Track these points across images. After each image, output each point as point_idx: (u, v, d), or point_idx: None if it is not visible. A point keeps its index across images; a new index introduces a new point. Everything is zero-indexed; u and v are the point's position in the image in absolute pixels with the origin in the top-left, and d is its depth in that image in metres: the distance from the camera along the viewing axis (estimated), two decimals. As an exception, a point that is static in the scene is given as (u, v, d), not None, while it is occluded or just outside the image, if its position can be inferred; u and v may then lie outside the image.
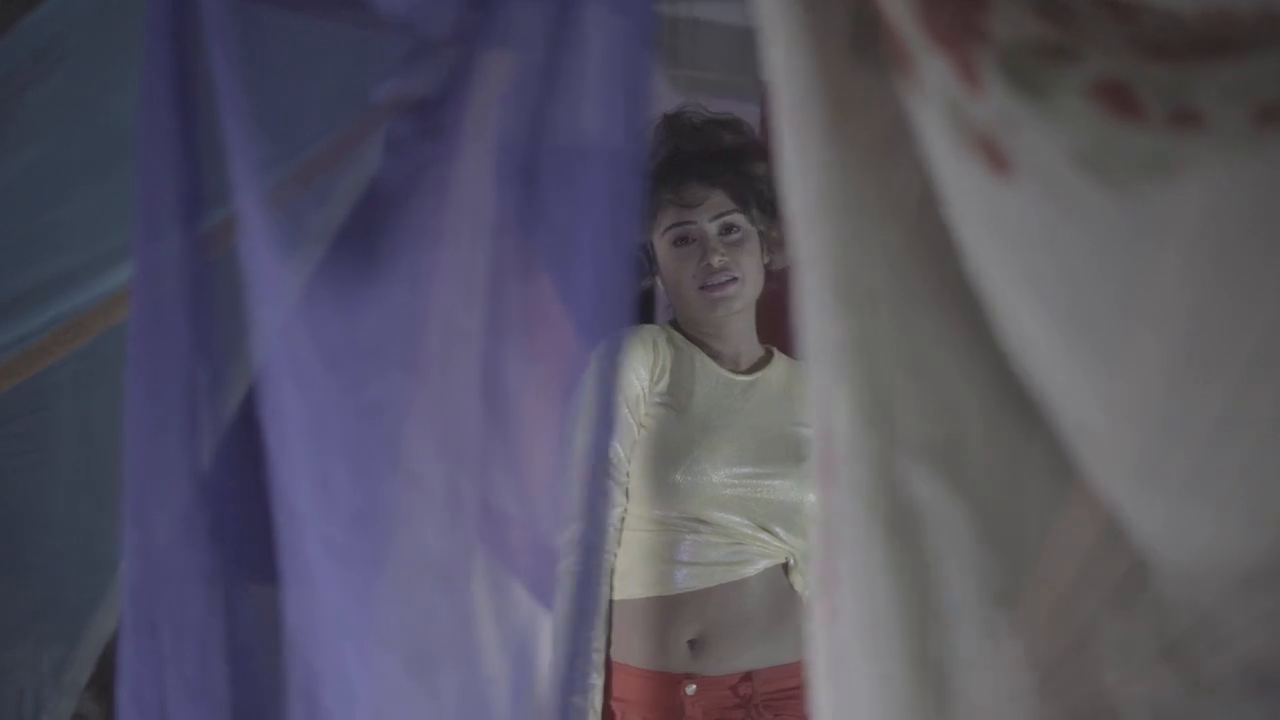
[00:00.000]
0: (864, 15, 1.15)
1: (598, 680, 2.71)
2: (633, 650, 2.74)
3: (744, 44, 3.72)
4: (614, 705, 2.74)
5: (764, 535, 2.79)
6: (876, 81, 1.15)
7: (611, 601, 2.77)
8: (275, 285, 1.94)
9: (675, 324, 2.87)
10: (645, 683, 2.74)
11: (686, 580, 2.74)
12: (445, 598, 2.17)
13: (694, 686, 2.72)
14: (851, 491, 1.15)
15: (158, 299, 1.87)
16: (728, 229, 2.78)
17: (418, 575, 2.69)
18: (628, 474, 2.77)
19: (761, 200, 2.79)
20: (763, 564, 2.79)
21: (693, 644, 2.74)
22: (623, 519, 2.77)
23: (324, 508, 1.88)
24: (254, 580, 1.95)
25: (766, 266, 2.84)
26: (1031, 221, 1.07)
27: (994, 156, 1.06)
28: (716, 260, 2.76)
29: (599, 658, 2.72)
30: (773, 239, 2.81)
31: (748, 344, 2.89)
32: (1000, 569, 1.14)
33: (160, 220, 1.88)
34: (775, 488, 2.79)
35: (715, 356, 2.86)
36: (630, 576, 2.77)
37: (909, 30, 1.08)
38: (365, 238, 2.27)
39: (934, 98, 1.09)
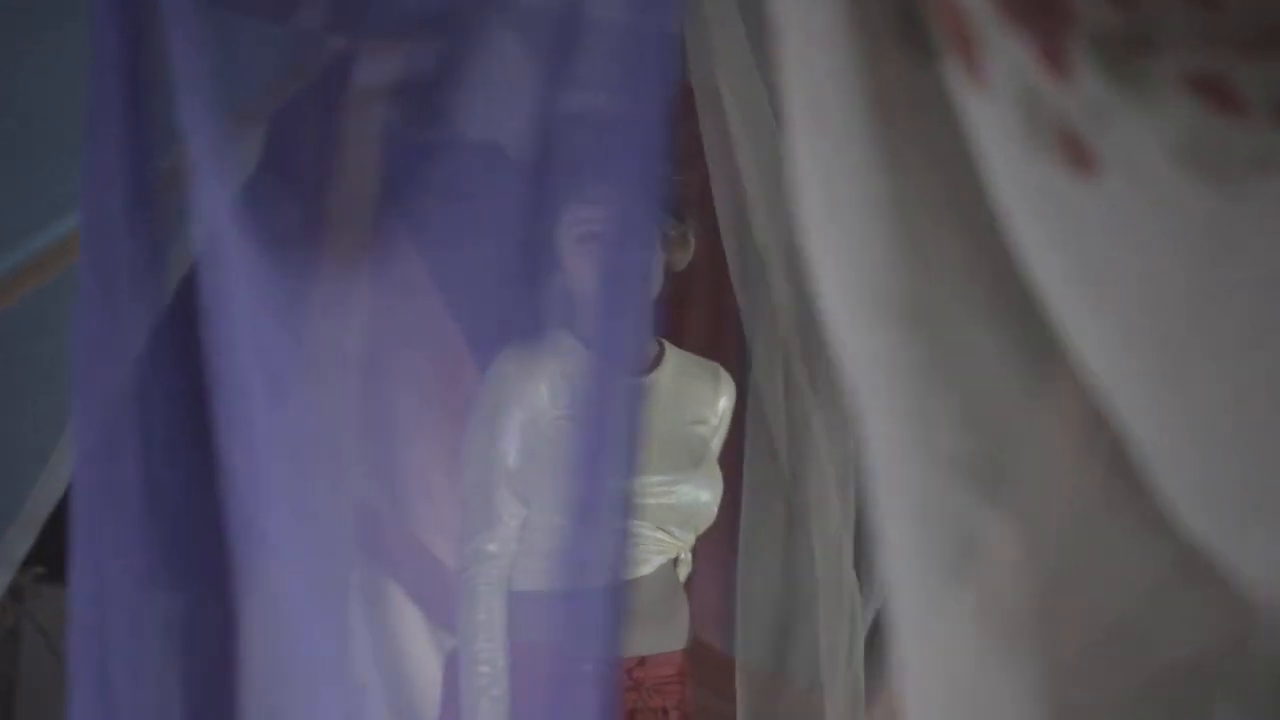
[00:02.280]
0: (911, 2, 1.06)
1: (506, 687, 2.72)
2: (533, 631, 2.74)
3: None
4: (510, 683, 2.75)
5: (661, 535, 2.82)
6: (925, 74, 1.06)
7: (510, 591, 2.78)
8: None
9: (571, 327, 2.83)
10: (539, 659, 2.68)
11: None
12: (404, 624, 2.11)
13: (590, 666, 2.61)
14: (902, 516, 1.05)
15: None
16: None
17: (380, 602, 2.65)
18: (528, 484, 2.72)
19: (665, 201, 2.78)
20: (658, 561, 2.82)
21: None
22: (522, 524, 2.76)
23: (297, 532, 1.76)
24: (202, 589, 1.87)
25: (666, 266, 2.84)
26: (1117, 221, 0.98)
27: (1077, 152, 0.97)
28: None
29: (505, 664, 2.72)
30: (673, 239, 2.82)
31: (646, 342, 2.85)
32: (1058, 597, 1.06)
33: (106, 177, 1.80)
34: (677, 492, 2.82)
35: None
36: (531, 571, 2.78)
37: (981, 10, 0.99)
38: (367, 235, 2.20)
39: (1002, 88, 1.00)
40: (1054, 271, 1.02)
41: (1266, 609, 1.04)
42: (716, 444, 2.89)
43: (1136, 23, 0.97)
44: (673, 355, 2.91)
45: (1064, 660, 1.05)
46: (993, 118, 1.01)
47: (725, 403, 2.90)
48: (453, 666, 2.79)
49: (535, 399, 2.73)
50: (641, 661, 2.81)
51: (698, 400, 2.90)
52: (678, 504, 2.80)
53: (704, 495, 2.81)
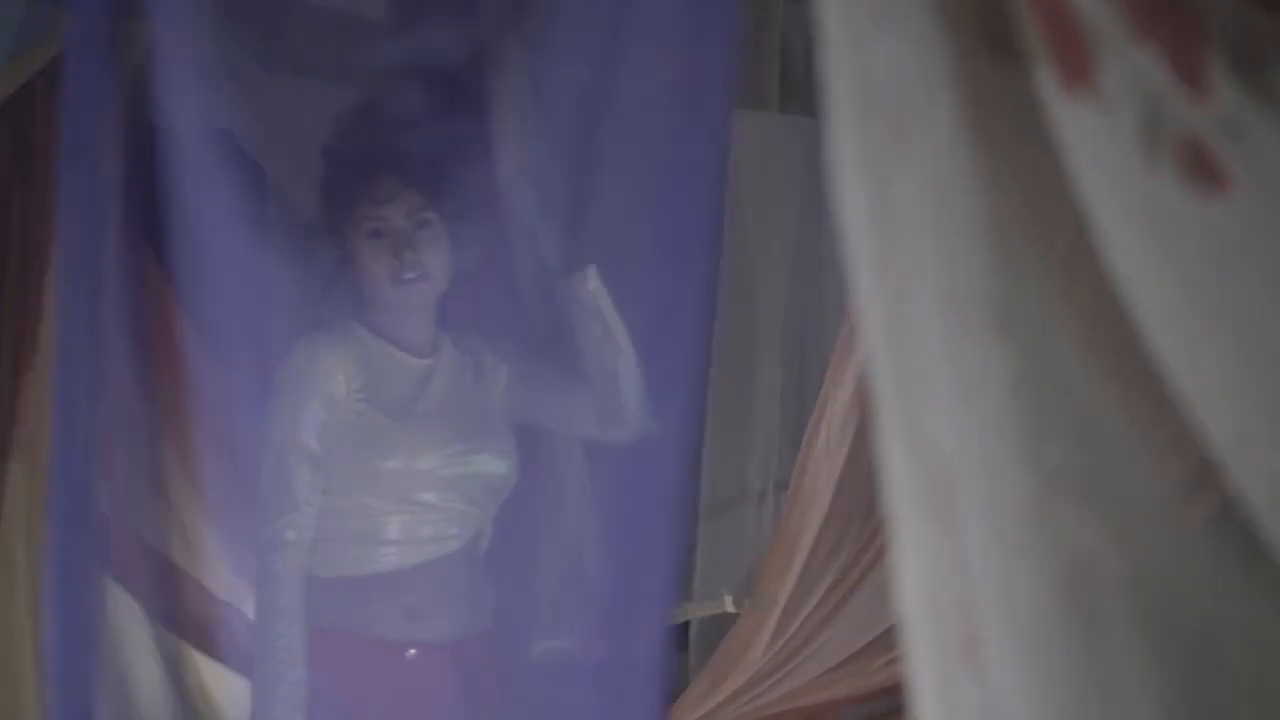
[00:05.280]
0: (1002, 3, 1.01)
1: (304, 672, 2.70)
2: (350, 620, 2.78)
3: (344, 27, 3.62)
4: (329, 675, 2.74)
5: (468, 508, 2.86)
6: (1016, 82, 1.01)
7: (317, 578, 2.77)
8: None
9: (362, 319, 2.88)
10: (365, 649, 2.78)
11: (397, 559, 2.79)
12: None
13: (414, 651, 2.77)
14: (1002, 540, 1.01)
15: None
16: (420, 225, 2.82)
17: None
18: (329, 470, 2.77)
19: (455, 198, 2.83)
20: (464, 536, 2.86)
21: (411, 613, 2.80)
22: (320, 511, 2.76)
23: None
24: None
25: (454, 263, 2.85)
26: (1240, 243, 0.95)
27: (1208, 168, 0.94)
28: (408, 256, 2.80)
29: (303, 649, 2.70)
30: (461, 237, 2.86)
31: (430, 332, 2.93)
32: (1160, 624, 1.03)
33: None
34: (478, 461, 2.86)
35: (400, 346, 2.89)
36: (339, 557, 2.79)
37: (1101, 15, 0.95)
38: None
39: (1118, 98, 0.96)
40: (1158, 294, 0.99)
41: None
42: (505, 415, 2.91)
43: (1254, 32, 0.95)
44: (448, 336, 2.95)
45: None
46: (1101, 129, 0.97)
47: (504, 375, 2.94)
48: None
49: (332, 386, 2.75)
50: (461, 644, 2.83)
51: (477, 374, 2.93)
52: (478, 473, 2.83)
53: (500, 465, 2.86)
